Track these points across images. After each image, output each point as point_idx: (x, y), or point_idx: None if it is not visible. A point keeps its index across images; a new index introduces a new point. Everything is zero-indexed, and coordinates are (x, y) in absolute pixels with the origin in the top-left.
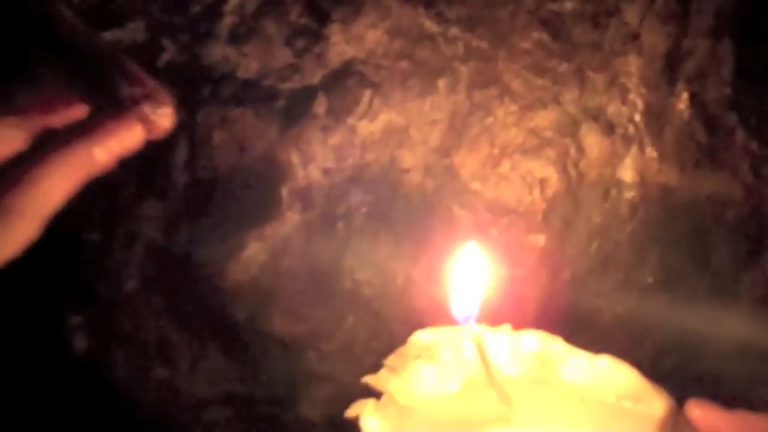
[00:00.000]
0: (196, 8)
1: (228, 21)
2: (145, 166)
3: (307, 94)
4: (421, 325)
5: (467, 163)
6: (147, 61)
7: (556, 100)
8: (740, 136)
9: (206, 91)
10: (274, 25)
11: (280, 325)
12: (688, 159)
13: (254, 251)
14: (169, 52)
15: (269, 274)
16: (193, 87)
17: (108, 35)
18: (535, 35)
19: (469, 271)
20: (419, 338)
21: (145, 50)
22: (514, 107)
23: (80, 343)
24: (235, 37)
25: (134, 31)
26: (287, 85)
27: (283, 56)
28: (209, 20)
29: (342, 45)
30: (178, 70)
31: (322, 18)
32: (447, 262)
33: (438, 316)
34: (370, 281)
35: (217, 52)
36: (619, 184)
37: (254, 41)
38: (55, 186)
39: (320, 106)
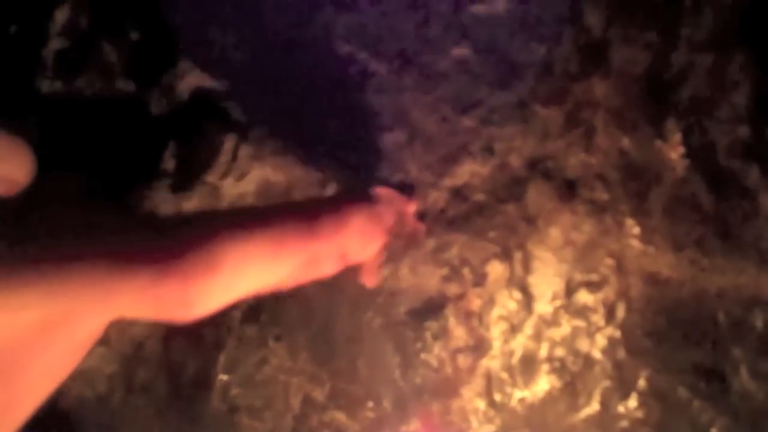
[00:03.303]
0: None
1: None
2: None
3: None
4: None
5: None
6: None
7: (489, 148)
8: (767, 200)
9: None
10: None
11: None
12: (686, 236)
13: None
14: None
15: (121, 389)
16: None
17: None
18: (456, 51)
19: None
20: None
21: None
22: (428, 157)
23: None
24: None
25: None
26: None
27: None
28: None
29: None
30: None
31: None
32: None
33: None
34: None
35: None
36: (586, 273)
37: None
38: None
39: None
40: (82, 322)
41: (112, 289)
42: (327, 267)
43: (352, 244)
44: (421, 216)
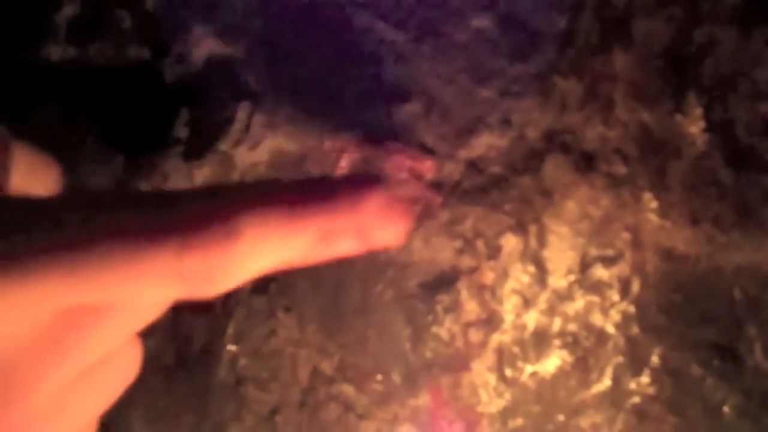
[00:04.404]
0: None
1: None
2: None
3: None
4: None
5: None
6: None
7: (507, 120)
8: None
9: None
10: None
11: None
12: (704, 212)
13: None
14: None
15: None
16: None
17: None
18: (475, 22)
19: None
20: None
21: None
22: (445, 129)
23: None
24: None
25: None
26: None
27: None
28: None
29: None
30: None
31: None
32: None
33: None
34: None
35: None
36: (602, 248)
37: None
38: None
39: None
40: (109, 312)
41: (135, 268)
42: (345, 245)
43: (372, 222)
44: (436, 187)
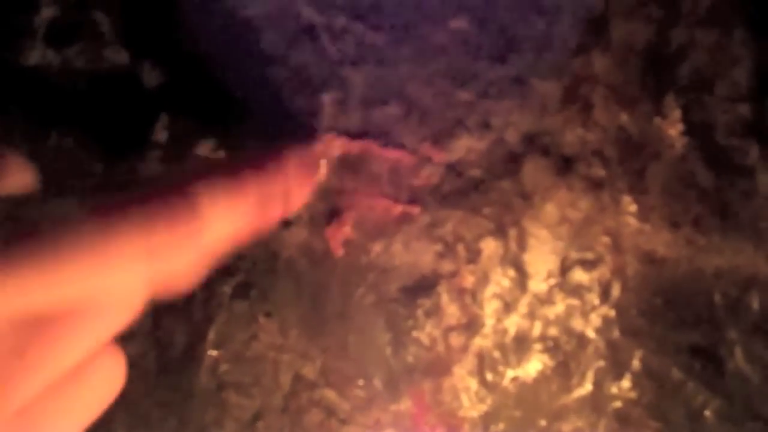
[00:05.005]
0: None
1: None
2: None
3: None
4: None
5: None
6: None
7: (486, 123)
8: (765, 178)
9: None
10: None
11: None
12: (684, 215)
13: None
14: None
15: None
16: None
17: None
18: (453, 24)
19: None
20: None
21: None
22: (424, 131)
23: None
24: None
25: None
26: None
27: None
28: None
29: None
30: None
31: None
32: None
33: None
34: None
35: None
36: (582, 252)
37: None
38: None
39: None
40: (77, 318)
41: (102, 252)
42: (276, 208)
43: (292, 181)
44: (416, 191)
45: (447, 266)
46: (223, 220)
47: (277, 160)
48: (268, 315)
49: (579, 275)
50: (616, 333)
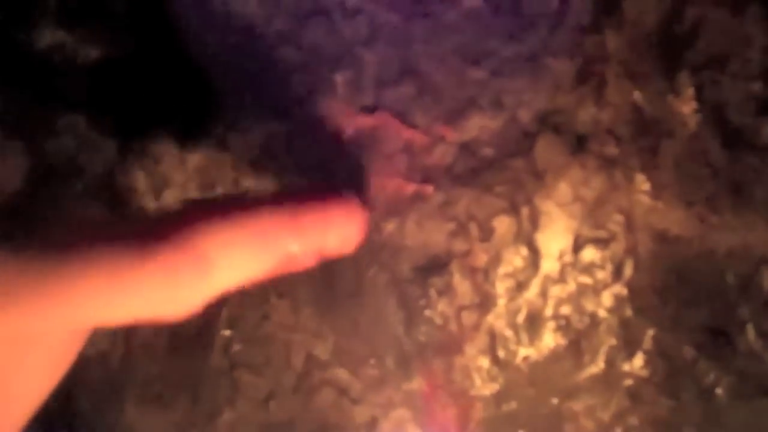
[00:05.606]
0: None
1: None
2: None
3: None
4: None
5: None
6: None
7: (498, 102)
8: None
9: None
10: None
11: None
12: (697, 193)
13: None
14: None
15: (122, 347)
16: None
17: None
18: (467, 2)
19: None
20: None
21: None
22: (437, 110)
23: None
24: None
25: None
26: None
27: None
28: None
29: None
30: None
31: None
32: None
33: None
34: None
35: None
36: (594, 230)
37: None
38: None
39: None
40: (58, 334)
41: (92, 288)
42: (305, 262)
43: (332, 240)
44: (429, 170)
45: (459, 245)
46: (232, 269)
47: (316, 209)
48: (280, 295)
49: (591, 254)
50: (628, 311)
